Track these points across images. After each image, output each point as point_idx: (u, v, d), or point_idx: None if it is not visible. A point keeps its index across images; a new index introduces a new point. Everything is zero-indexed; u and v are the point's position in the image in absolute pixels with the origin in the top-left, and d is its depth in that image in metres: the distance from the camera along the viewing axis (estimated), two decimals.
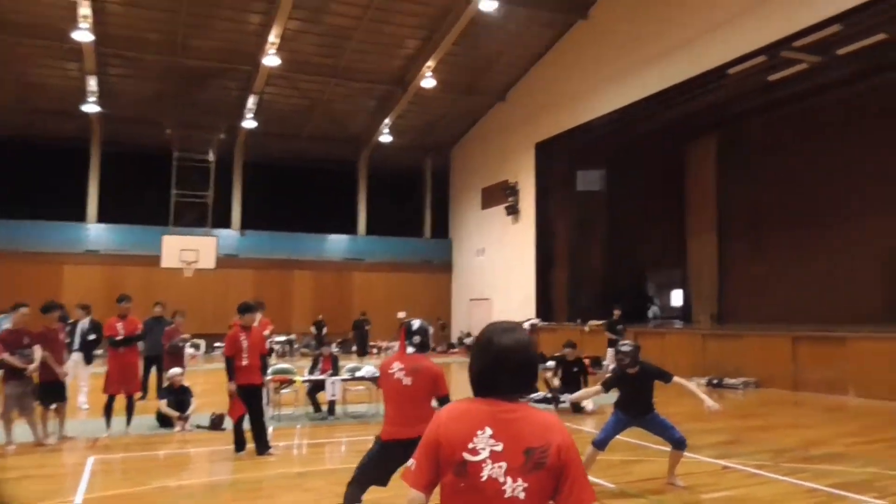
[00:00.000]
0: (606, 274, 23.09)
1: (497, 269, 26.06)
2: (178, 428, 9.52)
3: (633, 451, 7.91)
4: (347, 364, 11.96)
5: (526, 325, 22.43)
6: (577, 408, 11.08)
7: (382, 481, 4.68)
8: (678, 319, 24.10)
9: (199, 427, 9.64)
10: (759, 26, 14.89)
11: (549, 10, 20.79)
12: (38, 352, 8.48)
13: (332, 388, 10.51)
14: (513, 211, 24.38)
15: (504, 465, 1.98)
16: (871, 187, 17.63)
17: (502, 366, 2.09)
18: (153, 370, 12.39)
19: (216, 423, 9.64)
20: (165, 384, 10.48)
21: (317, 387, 10.82)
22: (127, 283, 23.73)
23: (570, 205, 22.64)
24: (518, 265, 24.32)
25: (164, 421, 9.70)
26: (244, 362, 7.58)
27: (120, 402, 9.22)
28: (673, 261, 24.34)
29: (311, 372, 11.16)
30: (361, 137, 28.19)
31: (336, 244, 28.84)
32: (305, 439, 9.24)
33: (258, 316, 8.31)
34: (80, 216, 25.24)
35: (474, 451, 2.00)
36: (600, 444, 6.28)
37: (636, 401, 6.41)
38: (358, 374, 11.09)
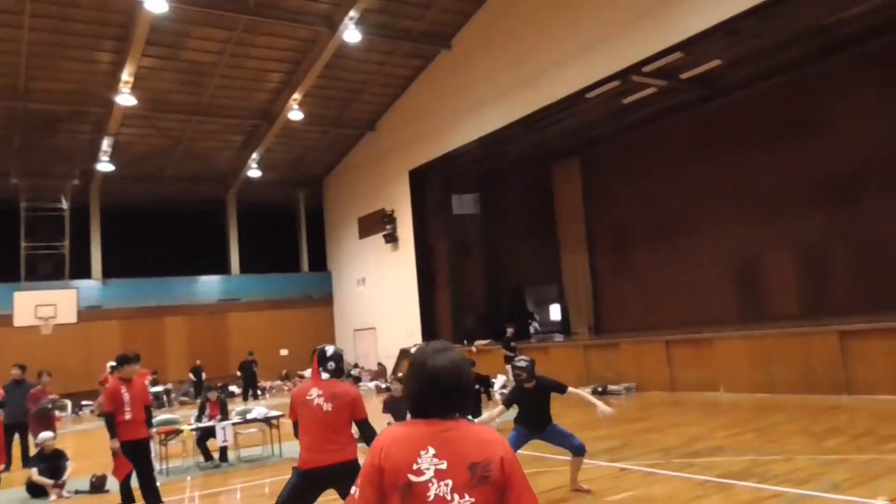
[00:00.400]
0: (488, 294, 23.64)
1: (379, 298, 25.98)
2: (53, 497, 8.78)
3: (534, 463, 8.11)
4: (236, 408, 11.49)
5: (413, 350, 22.55)
6: None
7: None
8: (558, 333, 25.03)
9: (78, 493, 8.96)
10: (613, 53, 15.96)
11: (411, 41, 21.21)
12: None
13: (224, 434, 10.07)
14: (391, 239, 24.47)
15: (450, 482, 2.01)
16: (719, 200, 19.26)
17: (438, 387, 2.13)
18: (16, 438, 11.33)
19: (98, 486, 8.99)
20: (35, 451, 9.62)
21: (206, 434, 10.34)
22: None
23: (448, 229, 23.02)
24: (400, 292, 24.37)
25: (35, 491, 8.91)
26: (127, 416, 7.06)
27: None
28: (549, 276, 25.29)
29: (199, 419, 10.63)
30: (229, 174, 27.34)
31: (208, 285, 27.68)
32: (198, 490, 8.77)
33: (137, 367, 7.80)
34: None
35: (419, 472, 2.02)
36: None
37: (535, 414, 6.61)
38: (249, 416, 10.69)
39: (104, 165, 23.42)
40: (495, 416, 6.91)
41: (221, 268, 28.13)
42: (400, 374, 21.71)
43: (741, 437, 8.86)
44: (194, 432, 10.32)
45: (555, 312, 26.94)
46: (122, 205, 25.81)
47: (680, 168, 20.23)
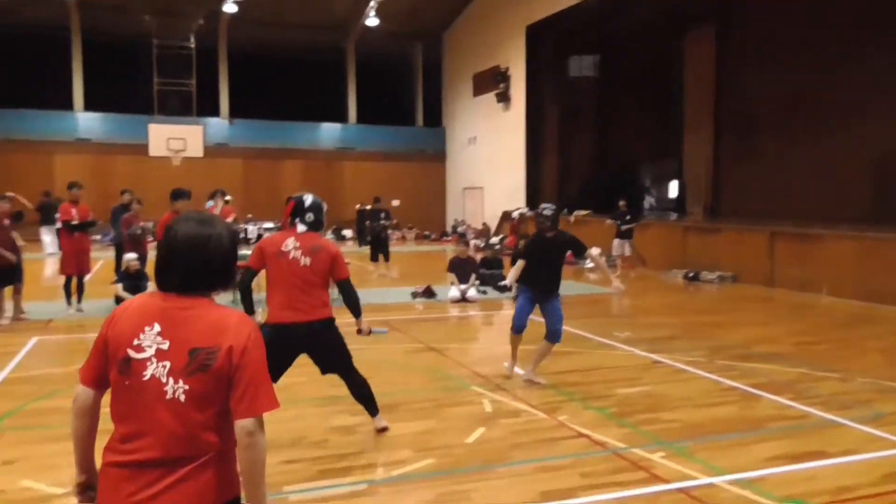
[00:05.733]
0: (597, 163, 22.61)
1: (488, 158, 25.58)
2: None
3: (574, 341, 7.87)
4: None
5: (515, 215, 22.33)
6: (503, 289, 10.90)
7: (275, 375, 4.28)
8: (673, 211, 23.77)
9: None
10: None
11: None
12: None
13: None
14: (503, 98, 23.59)
15: (168, 364, 1.88)
16: (878, 90, 16.64)
17: (174, 257, 1.97)
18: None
19: None
20: (122, 269, 10.52)
21: None
22: (117, 172, 23.67)
23: (562, 92, 21.83)
24: (508, 153, 23.82)
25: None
26: None
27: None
28: (667, 152, 23.65)
29: None
30: (348, 21, 26.92)
31: (327, 133, 28.27)
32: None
33: (188, 202, 8.16)
34: (68, 104, 24.72)
35: (139, 349, 1.89)
36: (518, 329, 6.25)
37: (546, 273, 6.17)
38: None
39: (229, 6, 23.70)
40: (519, 270, 6.27)
41: (339, 116, 28.49)
42: (468, 236, 21.65)
43: (811, 347, 8.11)
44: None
45: (672, 189, 25.45)
46: (248, 48, 26.28)
47: (836, 49, 17.51)
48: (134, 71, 24.53)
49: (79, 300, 9.72)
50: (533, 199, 22.72)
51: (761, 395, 5.93)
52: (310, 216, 4.45)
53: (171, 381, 1.87)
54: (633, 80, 21.57)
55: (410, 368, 6.95)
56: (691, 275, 14.75)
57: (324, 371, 4.72)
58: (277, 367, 4.32)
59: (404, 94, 29.78)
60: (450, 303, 11.03)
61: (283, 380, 4.43)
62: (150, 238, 10.99)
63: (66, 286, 9.66)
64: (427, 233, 27.19)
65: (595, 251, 6.52)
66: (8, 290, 9.07)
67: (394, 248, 20.18)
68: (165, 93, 24.79)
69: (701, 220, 19.24)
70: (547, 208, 6.16)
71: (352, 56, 28.15)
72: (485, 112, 25.60)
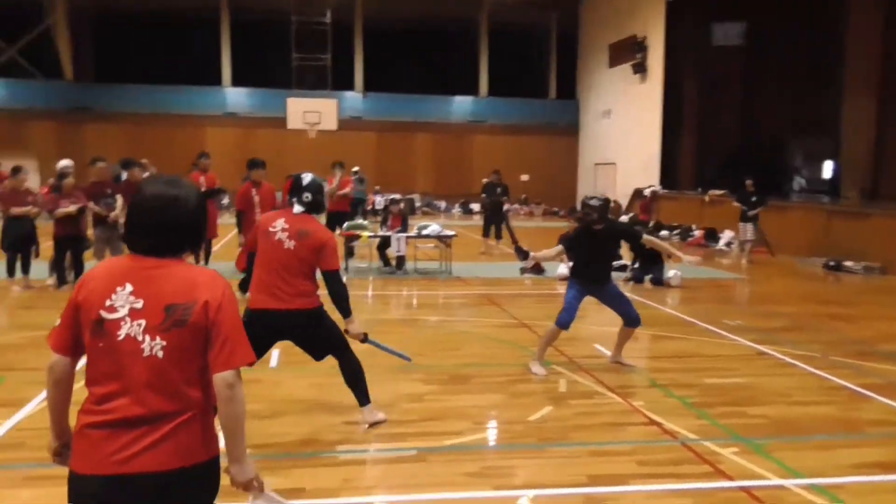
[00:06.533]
0: (740, 139, 21.15)
1: (622, 132, 24.60)
2: None
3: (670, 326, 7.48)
4: (420, 223, 12.22)
5: (646, 192, 21.44)
6: (658, 281, 10.56)
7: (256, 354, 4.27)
8: (825, 194, 21.84)
9: None
10: None
11: None
12: (119, 200, 9.25)
13: (398, 244, 10.75)
14: (640, 69, 22.52)
15: (143, 322, 1.89)
16: None
17: (142, 217, 1.98)
18: None
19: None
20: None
21: (385, 242, 11.12)
22: (260, 144, 25.09)
23: (703, 62, 20.56)
24: (643, 128, 22.79)
25: None
26: (257, 216, 7.84)
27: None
28: (823, 128, 21.68)
29: (382, 228, 11.41)
30: None
31: (458, 106, 28.37)
32: (378, 290, 9.88)
33: (263, 172, 8.43)
34: (217, 80, 26.49)
35: (112, 309, 1.90)
36: (565, 324, 5.66)
37: (596, 265, 5.80)
38: (424, 231, 11.21)
39: None
40: (551, 255, 6.02)
41: (471, 89, 28.49)
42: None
43: None
44: (375, 239, 11.17)
45: (826, 170, 23.38)
46: (383, 22, 26.81)
47: None
48: (274, 47, 25.87)
49: (206, 262, 10.35)
50: (667, 177, 21.72)
51: (871, 396, 5.33)
52: (307, 196, 4.15)
53: (147, 338, 1.88)
54: (784, 46, 19.88)
55: (496, 343, 6.88)
56: (832, 263, 13.48)
57: (316, 359, 4.39)
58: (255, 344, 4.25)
59: (537, 65, 29.23)
60: (557, 280, 10.79)
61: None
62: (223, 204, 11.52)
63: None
64: (555, 209, 26.73)
65: (650, 237, 6.07)
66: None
67: (519, 223, 20.11)
68: (303, 68, 25.88)
69: (856, 204, 17.53)
70: (594, 199, 5.75)
71: (485, 27, 27.96)
72: (620, 84, 24.62)
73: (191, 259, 2.11)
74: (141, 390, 1.87)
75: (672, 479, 3.83)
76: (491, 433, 4.51)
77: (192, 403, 1.92)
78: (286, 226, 4.07)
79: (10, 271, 9.06)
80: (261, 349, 4.08)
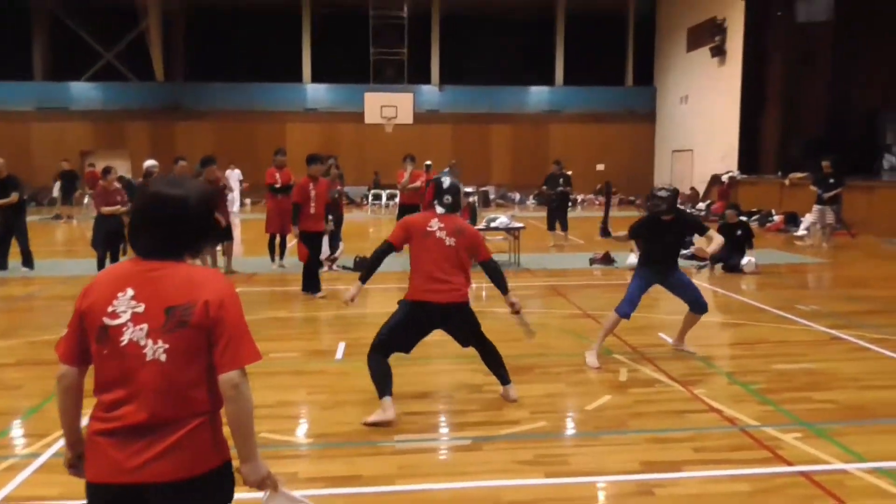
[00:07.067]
0: (828, 117, 20.14)
1: (700, 118, 23.94)
2: (325, 268, 10.24)
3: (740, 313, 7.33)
4: (491, 215, 12.22)
5: (724, 179, 20.79)
6: (732, 268, 10.30)
7: (407, 347, 4.58)
8: None
9: (345, 268, 10.59)
10: None
11: None
12: None
13: None
14: (718, 52, 21.83)
15: (145, 326, 1.88)
16: None
17: (145, 217, 1.98)
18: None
19: (359, 266, 10.48)
20: None
21: None
22: (340, 139, 25.83)
23: (787, 40, 19.64)
24: (721, 113, 22.12)
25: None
26: (312, 210, 8.12)
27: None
28: None
29: None
30: None
31: (534, 96, 28.20)
32: None
33: (321, 167, 8.70)
34: (297, 77, 27.31)
35: (114, 315, 1.90)
36: (626, 313, 5.66)
37: (665, 255, 5.78)
38: (493, 224, 11.26)
39: None
40: (622, 238, 6.08)
41: (547, 79, 28.26)
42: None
43: None
44: None
45: None
46: (459, 15, 26.94)
47: None
48: (352, 42, 26.45)
49: (281, 257, 10.70)
50: (747, 162, 20.98)
51: None
52: (447, 198, 4.54)
53: (149, 342, 1.88)
54: (878, 19, 18.75)
55: (560, 333, 6.92)
56: None
57: (463, 345, 4.82)
58: (408, 339, 4.55)
59: (614, 52, 28.64)
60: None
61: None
62: (345, 201, 11.83)
63: (270, 244, 10.61)
64: (632, 198, 26.22)
65: (714, 233, 5.92)
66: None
67: (594, 212, 19.86)
68: (380, 62, 26.33)
69: None
70: (663, 189, 5.72)
71: (561, 14, 27.65)
72: (698, 68, 23.94)
73: (216, 256, 2.15)
74: (147, 395, 1.87)
75: (728, 465, 3.82)
76: (548, 422, 4.60)
77: (199, 407, 1.92)
78: (442, 225, 4.47)
79: (101, 268, 9.46)
80: (413, 340, 4.55)
